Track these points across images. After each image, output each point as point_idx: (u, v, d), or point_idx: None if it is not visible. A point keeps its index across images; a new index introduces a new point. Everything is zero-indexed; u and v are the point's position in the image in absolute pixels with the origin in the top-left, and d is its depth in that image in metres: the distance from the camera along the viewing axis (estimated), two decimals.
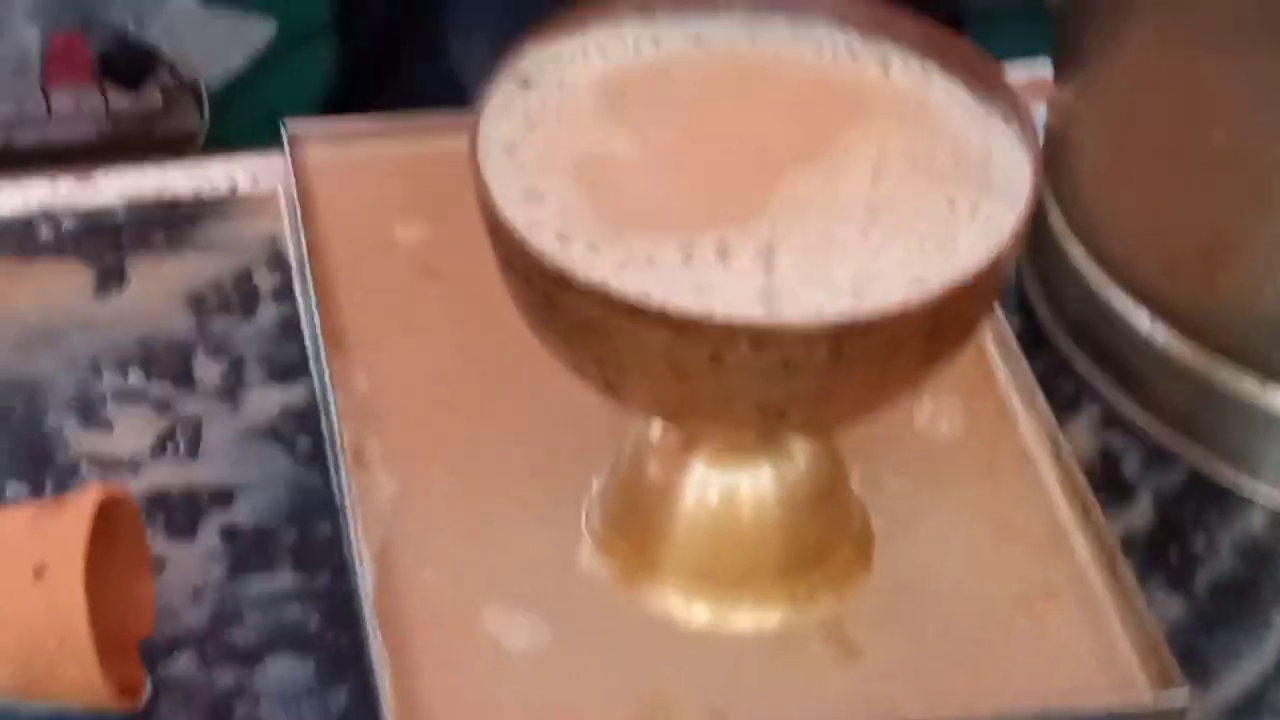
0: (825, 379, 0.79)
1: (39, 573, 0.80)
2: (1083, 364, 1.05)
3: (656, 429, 0.89)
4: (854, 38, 0.89)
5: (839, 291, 0.78)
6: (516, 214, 0.80)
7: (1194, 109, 0.96)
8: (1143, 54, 1.00)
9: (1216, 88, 0.95)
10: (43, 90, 2.47)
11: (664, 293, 0.77)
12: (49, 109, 2.48)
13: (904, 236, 0.81)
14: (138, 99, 2.51)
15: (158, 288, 1.04)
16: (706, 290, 0.78)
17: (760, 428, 0.85)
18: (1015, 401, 0.99)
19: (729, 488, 0.88)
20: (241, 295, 1.04)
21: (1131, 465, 1.00)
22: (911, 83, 0.88)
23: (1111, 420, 1.02)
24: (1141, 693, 0.87)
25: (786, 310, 0.78)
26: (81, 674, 0.80)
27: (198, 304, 1.04)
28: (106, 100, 2.50)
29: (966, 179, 0.84)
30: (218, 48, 2.61)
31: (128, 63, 2.51)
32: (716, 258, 0.80)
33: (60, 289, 1.04)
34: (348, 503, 0.90)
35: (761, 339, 0.76)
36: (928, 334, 0.80)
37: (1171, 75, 0.98)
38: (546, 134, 0.85)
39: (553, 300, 0.80)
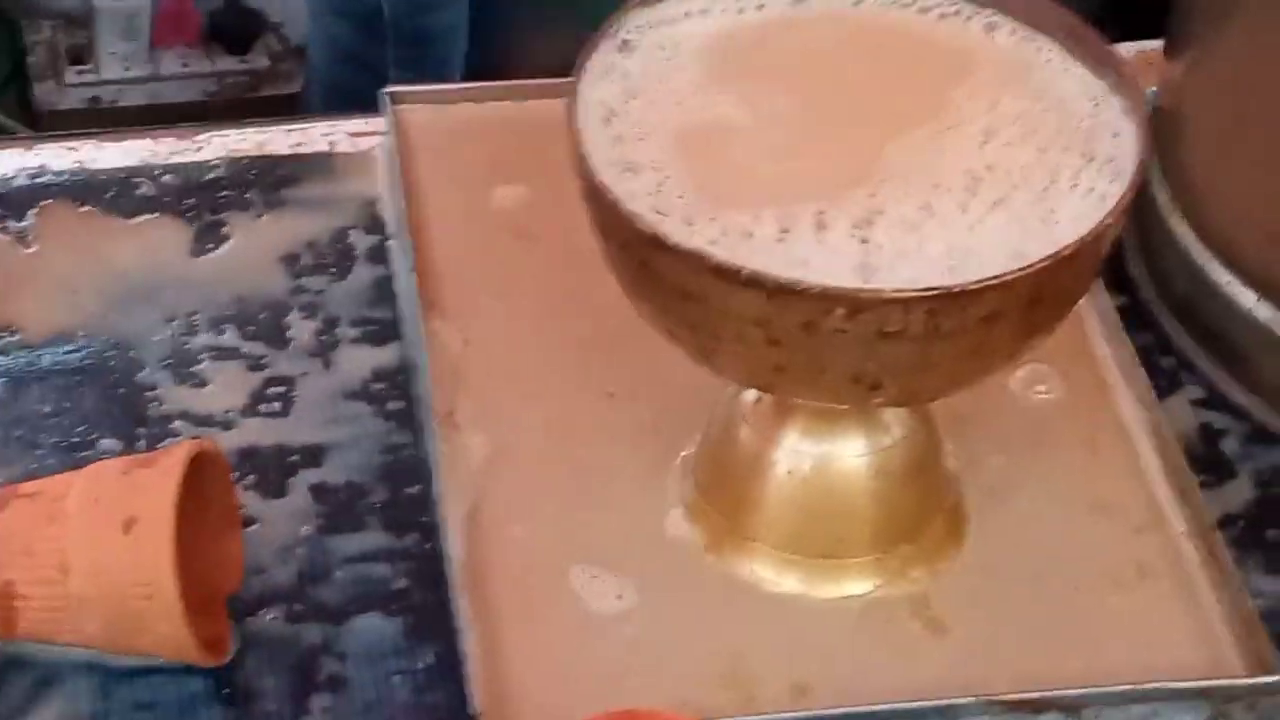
0: (921, 350, 0.78)
1: (129, 526, 0.80)
2: (1184, 341, 1.04)
3: (749, 396, 0.89)
4: (959, 2, 0.89)
5: (934, 266, 0.78)
6: (613, 181, 0.80)
7: None
8: (1256, 31, 0.99)
9: None
10: (151, 51, 2.50)
11: (759, 266, 0.77)
12: (157, 70, 2.50)
13: (1002, 209, 0.81)
14: (244, 62, 2.52)
15: (254, 246, 1.05)
16: (801, 264, 0.78)
17: (854, 399, 0.84)
18: (1115, 376, 0.99)
19: (821, 458, 0.88)
20: (337, 255, 1.04)
21: (1232, 444, 0.99)
22: (1017, 45, 0.88)
23: (1212, 398, 1.01)
24: (1236, 673, 0.86)
25: (882, 284, 0.77)
26: (169, 628, 0.81)
27: (293, 263, 1.04)
28: (213, 63, 2.52)
29: (1071, 147, 0.83)
30: None
31: (235, 26, 2.53)
32: (812, 231, 0.80)
33: (159, 245, 1.05)
34: (437, 464, 0.91)
35: (857, 306, 0.76)
36: (1026, 306, 0.79)
37: None
38: (646, 102, 0.85)
39: (648, 265, 0.79)
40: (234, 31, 2.52)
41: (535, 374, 0.96)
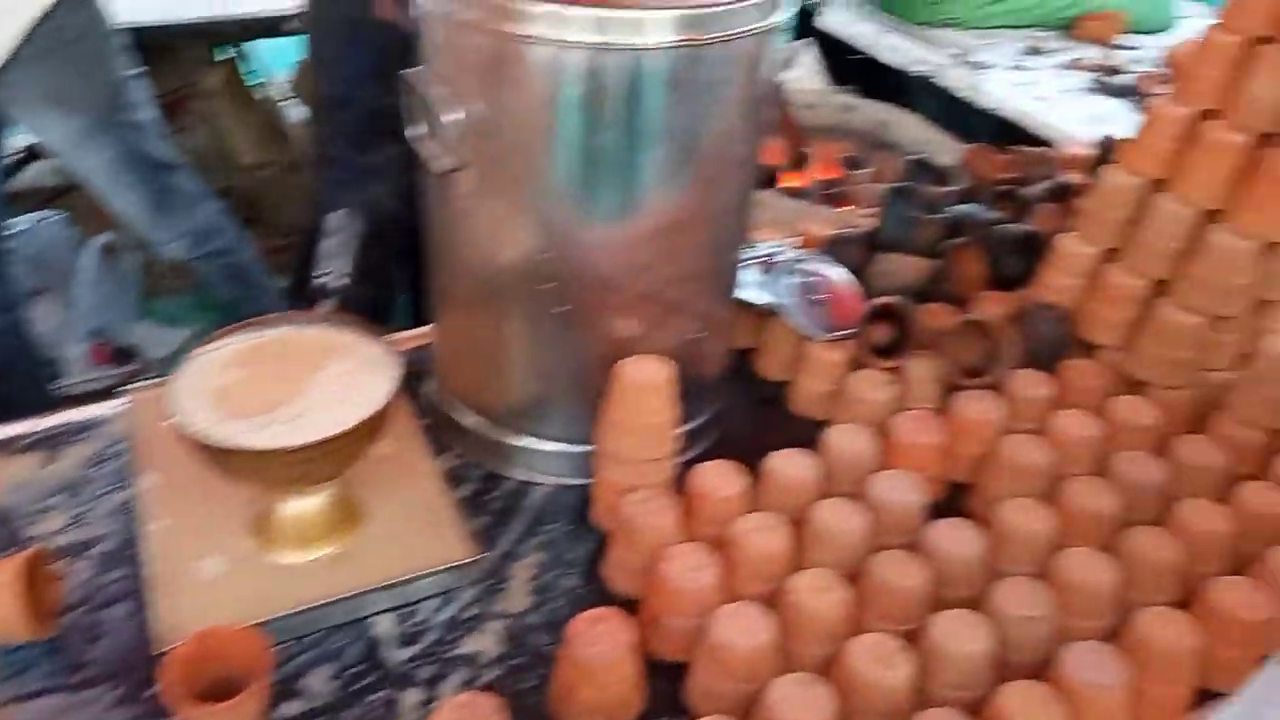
0: (317, 460, 0.94)
1: None
2: (446, 435, 1.16)
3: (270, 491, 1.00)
4: (328, 326, 1.05)
5: (320, 432, 0.92)
6: (200, 421, 0.93)
7: (482, 341, 1.10)
8: (454, 323, 1.14)
9: (490, 335, 1.08)
10: None
11: (251, 440, 0.92)
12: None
13: (348, 404, 0.95)
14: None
15: None
16: (272, 438, 0.92)
17: (302, 481, 0.99)
18: (420, 453, 1.13)
19: (305, 504, 1.01)
20: None
21: (468, 474, 1.14)
22: (354, 340, 1.04)
23: (460, 457, 1.15)
24: (464, 556, 1.02)
25: (301, 439, 0.92)
26: None
27: None
28: None
29: (377, 372, 0.99)
30: None
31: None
32: (273, 425, 0.94)
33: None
34: None
35: (279, 455, 0.92)
36: (360, 440, 0.95)
37: (466, 328, 1.12)
38: (194, 380, 0.97)
39: (211, 453, 0.91)
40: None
41: None
